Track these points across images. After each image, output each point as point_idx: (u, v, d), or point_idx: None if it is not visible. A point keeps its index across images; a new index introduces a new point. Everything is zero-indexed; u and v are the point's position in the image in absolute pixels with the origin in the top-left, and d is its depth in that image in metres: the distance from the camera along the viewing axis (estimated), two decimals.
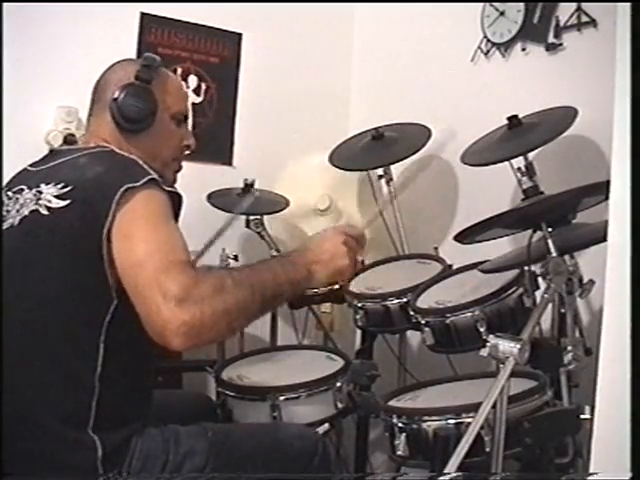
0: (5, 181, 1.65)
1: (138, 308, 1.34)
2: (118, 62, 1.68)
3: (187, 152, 1.73)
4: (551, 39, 2.44)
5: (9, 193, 1.55)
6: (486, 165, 2.24)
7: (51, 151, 1.65)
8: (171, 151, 1.68)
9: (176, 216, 1.48)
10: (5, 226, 1.50)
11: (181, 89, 1.75)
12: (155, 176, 1.43)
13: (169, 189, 1.46)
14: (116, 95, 1.59)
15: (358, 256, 1.57)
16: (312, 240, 1.55)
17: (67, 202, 1.42)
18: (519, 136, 2.18)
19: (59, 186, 1.45)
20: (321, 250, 1.50)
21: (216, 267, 1.40)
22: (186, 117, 1.72)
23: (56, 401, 1.41)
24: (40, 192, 1.47)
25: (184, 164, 1.76)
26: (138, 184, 1.40)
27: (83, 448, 1.40)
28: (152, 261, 1.33)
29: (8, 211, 1.52)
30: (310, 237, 1.57)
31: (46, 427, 1.40)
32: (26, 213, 1.47)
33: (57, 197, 1.44)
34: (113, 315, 1.41)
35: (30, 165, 1.63)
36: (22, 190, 1.52)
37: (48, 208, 1.44)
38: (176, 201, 1.48)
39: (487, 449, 1.52)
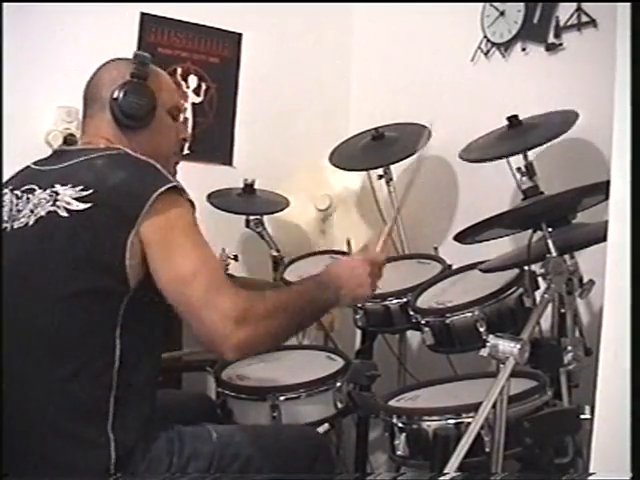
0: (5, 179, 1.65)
1: (192, 324, 1.42)
2: (108, 62, 1.69)
3: (184, 144, 1.78)
4: (551, 39, 2.44)
5: (17, 192, 1.54)
6: (484, 161, 2.24)
7: (55, 151, 1.65)
8: (171, 145, 1.70)
9: None
10: (18, 225, 1.49)
11: (172, 84, 1.76)
12: (176, 182, 1.47)
13: (189, 198, 1.50)
14: (116, 94, 1.59)
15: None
16: (342, 264, 1.66)
17: (88, 205, 1.43)
18: (519, 135, 2.18)
19: (77, 188, 1.45)
20: (351, 277, 1.60)
21: (266, 289, 1.59)
22: (180, 111, 1.74)
23: (72, 399, 1.41)
24: (56, 193, 1.47)
25: (185, 164, 1.76)
26: (163, 189, 1.43)
27: (98, 448, 1.40)
28: (199, 279, 1.40)
29: (19, 210, 1.51)
30: (341, 260, 1.74)
31: (61, 426, 1.40)
32: (42, 214, 1.47)
33: (77, 199, 1.44)
34: (127, 309, 1.43)
35: (34, 164, 1.62)
36: (33, 190, 1.52)
37: (67, 210, 1.44)
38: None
39: (487, 449, 1.52)
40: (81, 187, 1.45)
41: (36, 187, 1.52)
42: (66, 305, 1.43)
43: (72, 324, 1.42)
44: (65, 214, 1.44)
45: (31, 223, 1.48)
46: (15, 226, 1.50)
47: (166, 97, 1.67)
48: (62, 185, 1.48)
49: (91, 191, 1.44)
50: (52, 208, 1.46)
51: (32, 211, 1.49)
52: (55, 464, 1.39)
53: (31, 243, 1.47)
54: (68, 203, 1.45)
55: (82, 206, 1.43)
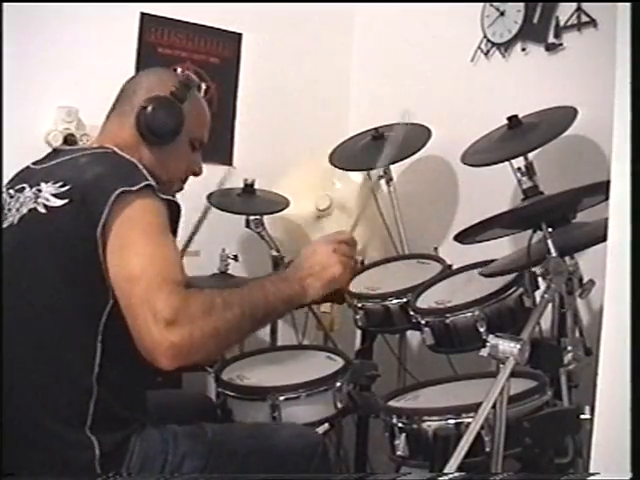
0: (7, 179, 1.65)
1: (129, 324, 1.33)
2: (154, 69, 1.70)
3: (190, 176, 1.75)
4: (551, 39, 2.44)
5: (11, 191, 1.55)
6: (486, 165, 2.24)
7: (54, 150, 1.65)
8: (179, 172, 1.70)
9: (175, 226, 1.48)
10: (5, 225, 1.50)
11: (207, 116, 1.76)
12: (152, 182, 1.42)
13: (167, 197, 1.44)
14: (146, 104, 1.59)
15: (351, 260, 1.55)
16: (302, 254, 1.55)
17: (64, 201, 1.42)
18: (519, 136, 2.18)
19: (57, 185, 1.44)
20: (311, 263, 1.51)
21: (208, 288, 1.41)
22: (202, 144, 1.73)
23: (54, 401, 1.41)
24: (39, 190, 1.47)
25: None
26: (134, 189, 1.39)
27: (81, 448, 1.40)
28: (144, 278, 1.32)
29: (9, 209, 1.51)
30: (301, 251, 1.57)
31: (44, 427, 1.40)
32: (25, 212, 1.47)
33: (55, 196, 1.43)
34: (109, 315, 1.41)
35: (33, 163, 1.62)
36: (23, 188, 1.52)
37: (46, 207, 1.43)
38: (174, 211, 1.47)
39: (487, 449, 1.52)
40: (60, 183, 1.44)
41: (26, 185, 1.52)
42: (47, 306, 1.42)
43: (52, 327, 1.41)
44: (43, 211, 1.44)
45: (15, 222, 1.48)
46: (4, 225, 1.50)
47: (195, 127, 1.68)
48: (45, 183, 1.47)
49: (68, 187, 1.43)
50: (33, 205, 1.46)
51: (18, 210, 1.49)
52: (44, 463, 1.40)
53: (14, 242, 1.47)
54: (47, 199, 1.44)
55: (59, 202, 1.42)
